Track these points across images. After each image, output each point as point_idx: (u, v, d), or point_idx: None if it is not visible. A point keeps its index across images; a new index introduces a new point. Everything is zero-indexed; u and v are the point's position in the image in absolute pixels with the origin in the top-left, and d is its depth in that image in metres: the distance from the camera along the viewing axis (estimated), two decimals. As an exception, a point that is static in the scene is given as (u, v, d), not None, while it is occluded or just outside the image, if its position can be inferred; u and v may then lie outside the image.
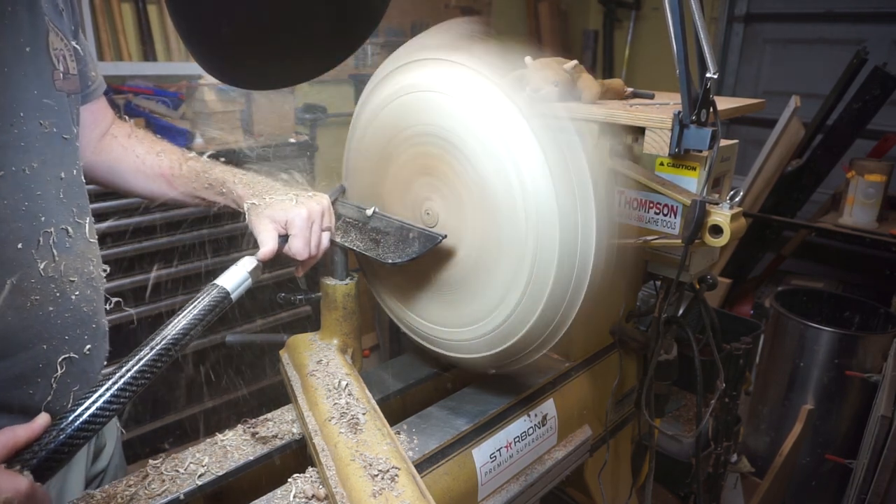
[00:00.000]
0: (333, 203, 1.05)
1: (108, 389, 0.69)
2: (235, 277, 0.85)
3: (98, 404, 0.68)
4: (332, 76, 3.45)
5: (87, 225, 0.93)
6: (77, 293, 0.89)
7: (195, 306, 0.79)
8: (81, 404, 0.67)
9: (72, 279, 0.88)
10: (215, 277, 0.85)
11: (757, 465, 2.32)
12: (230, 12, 0.87)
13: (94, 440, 1.03)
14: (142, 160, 1.08)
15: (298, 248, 0.94)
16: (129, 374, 0.70)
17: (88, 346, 0.92)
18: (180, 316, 0.77)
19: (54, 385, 0.87)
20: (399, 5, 3.63)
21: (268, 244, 0.92)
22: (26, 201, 0.81)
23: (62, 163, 0.88)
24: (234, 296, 0.84)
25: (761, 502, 2.00)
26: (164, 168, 1.07)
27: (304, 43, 0.97)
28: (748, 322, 2.36)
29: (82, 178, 0.94)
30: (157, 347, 0.73)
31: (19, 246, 0.80)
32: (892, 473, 1.51)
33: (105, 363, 0.99)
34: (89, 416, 0.67)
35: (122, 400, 0.69)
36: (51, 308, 0.85)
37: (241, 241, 1.02)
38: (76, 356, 0.90)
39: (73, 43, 0.93)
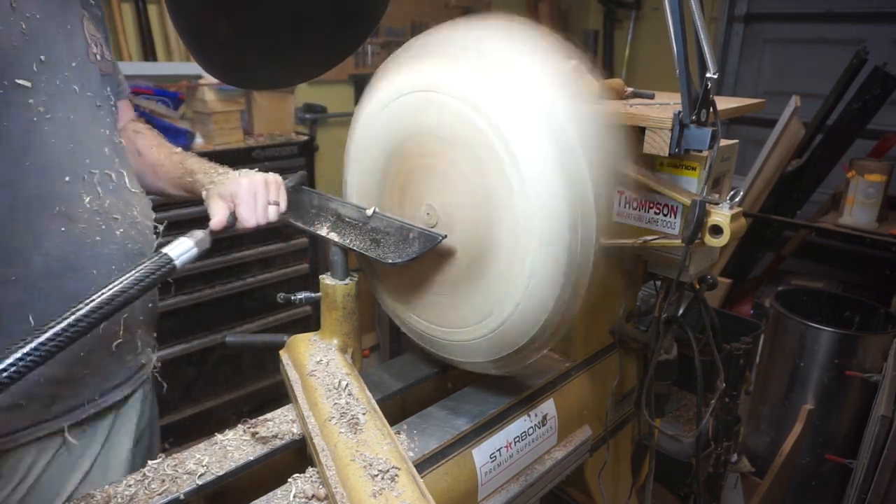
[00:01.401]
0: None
1: (35, 339, 0.70)
2: (181, 247, 0.90)
3: (23, 351, 0.69)
4: (332, 76, 3.45)
5: (126, 175, 1.05)
6: (121, 230, 1.00)
7: (137, 270, 0.82)
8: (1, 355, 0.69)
9: (115, 217, 1.00)
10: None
11: (757, 465, 2.31)
12: (230, 12, 0.88)
13: (141, 400, 1.15)
14: (138, 152, 1.18)
15: (244, 215, 1.04)
16: (57, 327, 0.72)
17: None
18: (121, 278, 0.80)
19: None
20: (399, 5, 3.63)
21: (216, 216, 1.02)
22: (71, 143, 0.95)
23: (102, 123, 1.02)
24: (177, 262, 0.88)
25: (761, 502, 2.00)
26: (153, 159, 1.18)
27: (304, 43, 0.97)
28: (748, 322, 2.36)
29: (121, 141, 1.08)
30: (91, 304, 0.75)
31: (67, 179, 0.93)
32: (892, 473, 1.51)
33: (150, 305, 1.12)
34: (7, 364, 0.68)
35: (43, 352, 0.71)
36: (98, 238, 0.97)
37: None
38: None
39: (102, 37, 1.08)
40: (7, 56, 0.86)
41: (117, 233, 1.00)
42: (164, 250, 0.88)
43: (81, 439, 1.01)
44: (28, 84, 0.89)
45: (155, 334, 1.20)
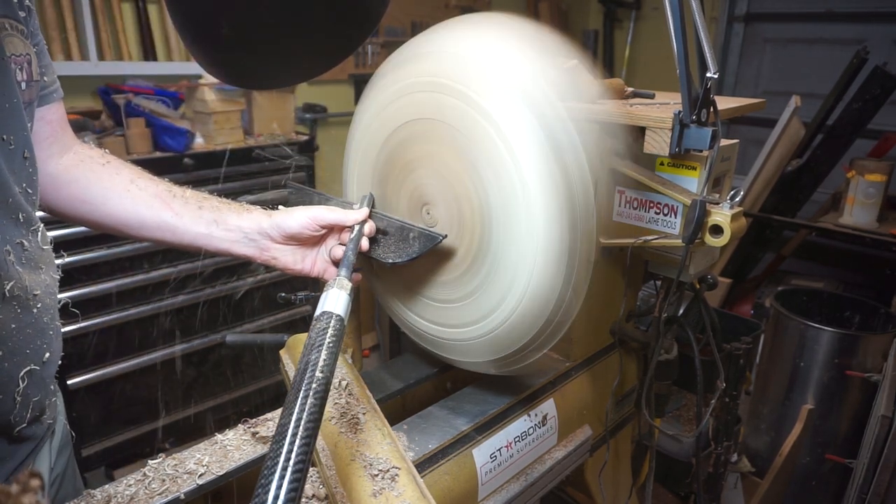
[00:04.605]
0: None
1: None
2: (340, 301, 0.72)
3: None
4: (332, 76, 3.46)
5: (39, 234, 0.87)
6: (39, 305, 0.85)
7: (324, 347, 0.66)
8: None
9: (35, 292, 0.84)
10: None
11: (757, 465, 2.32)
12: (230, 12, 0.87)
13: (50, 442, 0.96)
14: (130, 181, 0.97)
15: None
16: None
17: (47, 355, 0.88)
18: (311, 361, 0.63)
19: (18, 398, 0.83)
20: (399, 5, 3.63)
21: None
22: None
23: (16, 179, 0.80)
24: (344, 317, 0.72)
25: (761, 502, 2.00)
26: (161, 190, 0.97)
27: (304, 43, 0.97)
28: (748, 322, 2.36)
29: (33, 190, 0.86)
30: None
31: None
32: (892, 473, 1.51)
33: (59, 363, 0.93)
34: None
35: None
36: (13, 325, 0.81)
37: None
38: (36, 367, 0.86)
39: (26, 26, 0.82)
40: None
41: (34, 310, 0.84)
42: (330, 310, 0.71)
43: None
44: None
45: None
